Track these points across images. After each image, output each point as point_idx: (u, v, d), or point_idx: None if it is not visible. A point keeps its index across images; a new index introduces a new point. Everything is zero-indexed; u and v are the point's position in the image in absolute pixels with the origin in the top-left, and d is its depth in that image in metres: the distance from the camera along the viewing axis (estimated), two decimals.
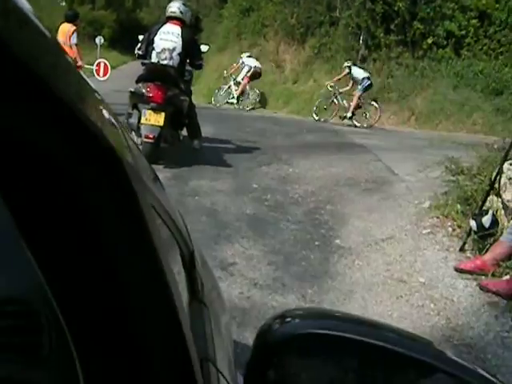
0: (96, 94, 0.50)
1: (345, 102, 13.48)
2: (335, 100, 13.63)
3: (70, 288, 0.44)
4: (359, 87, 13.07)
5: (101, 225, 0.45)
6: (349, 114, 13.20)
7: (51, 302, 0.63)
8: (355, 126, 12.81)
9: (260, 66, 15.76)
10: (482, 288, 3.63)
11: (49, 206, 0.41)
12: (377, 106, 12.94)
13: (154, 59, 6.26)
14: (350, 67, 13.22)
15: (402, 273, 3.92)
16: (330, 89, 13.78)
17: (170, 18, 6.39)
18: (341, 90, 13.54)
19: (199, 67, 6.83)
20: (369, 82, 13.08)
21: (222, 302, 1.30)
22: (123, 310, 0.46)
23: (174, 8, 6.42)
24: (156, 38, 6.27)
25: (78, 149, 0.41)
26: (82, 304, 0.45)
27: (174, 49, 6.22)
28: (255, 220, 4.78)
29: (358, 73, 13.13)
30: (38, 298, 0.64)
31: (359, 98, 13.08)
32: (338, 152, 7.93)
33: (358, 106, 13.16)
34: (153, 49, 6.29)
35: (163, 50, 6.22)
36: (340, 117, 13.40)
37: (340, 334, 0.57)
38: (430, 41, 15.08)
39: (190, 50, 6.36)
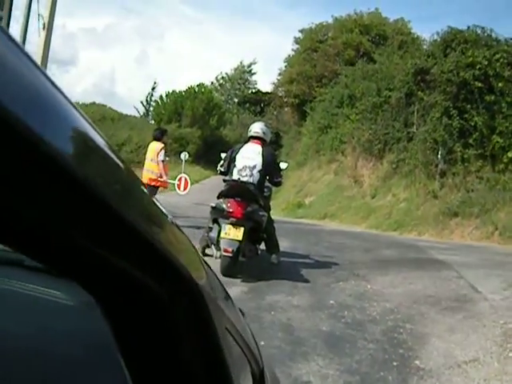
0: (167, 217, 0.58)
1: None
2: None
3: None
4: None
5: (179, 342, 0.53)
6: None
7: None
8: None
9: None
10: None
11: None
12: None
13: (235, 176, 6.53)
14: None
15: None
16: None
17: (252, 138, 6.75)
18: None
19: (278, 184, 7.04)
20: None
21: None
22: None
23: (257, 129, 6.82)
24: (238, 156, 6.59)
25: (151, 270, 0.49)
26: None
27: (254, 166, 6.49)
28: (332, 337, 4.70)
29: None
30: None
31: None
32: (418, 268, 7.78)
33: None
34: (234, 166, 6.58)
35: (244, 167, 6.50)
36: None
37: None
38: (510, 154, 14.90)
39: (270, 168, 6.61)
